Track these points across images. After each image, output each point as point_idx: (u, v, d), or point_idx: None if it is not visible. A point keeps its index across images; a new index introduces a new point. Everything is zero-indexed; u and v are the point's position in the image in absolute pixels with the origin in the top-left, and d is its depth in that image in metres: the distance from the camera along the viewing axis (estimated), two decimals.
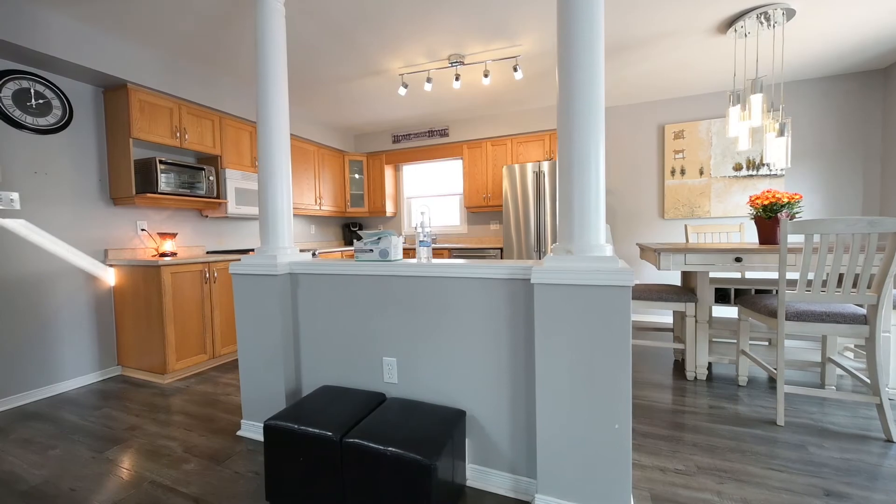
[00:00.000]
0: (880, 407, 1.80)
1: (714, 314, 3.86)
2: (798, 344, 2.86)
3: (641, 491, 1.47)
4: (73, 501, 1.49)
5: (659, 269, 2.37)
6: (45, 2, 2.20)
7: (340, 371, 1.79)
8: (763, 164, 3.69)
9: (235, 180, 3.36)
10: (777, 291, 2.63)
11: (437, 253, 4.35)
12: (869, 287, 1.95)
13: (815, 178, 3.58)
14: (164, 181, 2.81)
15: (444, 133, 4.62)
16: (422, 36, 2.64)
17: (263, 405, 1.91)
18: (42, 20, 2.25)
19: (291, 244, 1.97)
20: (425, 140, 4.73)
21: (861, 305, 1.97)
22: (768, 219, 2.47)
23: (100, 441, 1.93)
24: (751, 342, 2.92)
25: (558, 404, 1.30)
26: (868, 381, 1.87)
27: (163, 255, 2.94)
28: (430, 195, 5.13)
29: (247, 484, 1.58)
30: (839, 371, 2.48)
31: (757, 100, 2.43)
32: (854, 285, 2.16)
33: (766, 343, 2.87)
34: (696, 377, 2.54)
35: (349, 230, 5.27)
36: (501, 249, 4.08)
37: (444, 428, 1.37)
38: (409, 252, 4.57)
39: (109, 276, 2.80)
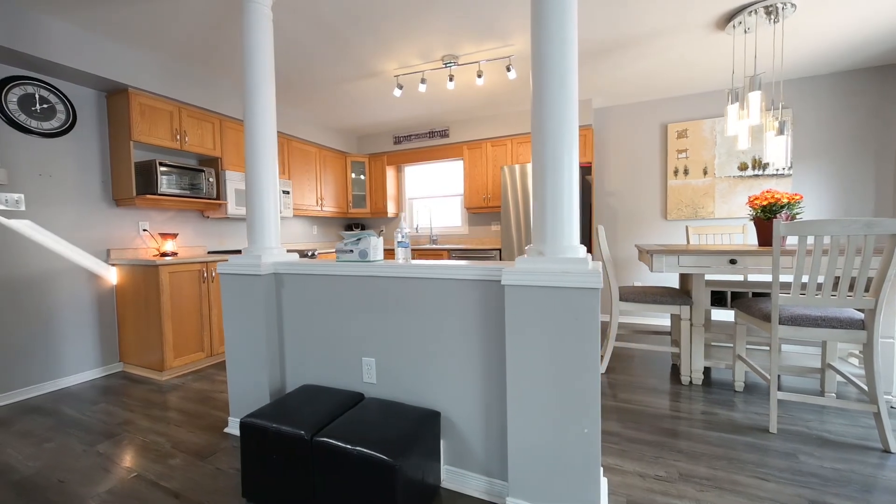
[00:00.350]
0: (878, 415, 1.73)
1: (713, 317, 3.77)
2: (799, 349, 2.77)
3: (618, 497, 1.45)
4: (60, 492, 1.54)
5: (652, 270, 2.33)
6: (48, 9, 2.28)
7: (322, 370, 1.81)
8: (769, 164, 3.58)
9: (235, 182, 3.42)
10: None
11: (437, 254, 4.35)
12: (867, 291, 1.88)
13: (824, 178, 3.46)
14: (165, 183, 2.88)
15: (444, 134, 4.62)
16: (414, 37, 2.65)
17: (249, 403, 1.94)
18: (45, 27, 2.34)
19: (278, 245, 1.99)
20: (426, 141, 4.74)
21: (861, 310, 1.89)
22: (767, 220, 2.40)
23: (93, 435, 1.99)
24: (751, 347, 2.83)
25: (528, 407, 1.29)
26: (867, 388, 1.80)
27: (164, 254, 3.01)
28: (432, 196, 5.14)
29: (227, 480, 1.60)
30: (840, 378, 2.39)
31: (755, 97, 2.36)
32: (851, 289, 2.08)
33: (768, 348, 2.79)
34: (691, 382, 2.49)
35: (351, 231, 5.31)
36: (500, 250, 4.06)
37: (415, 429, 1.37)
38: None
39: (112, 275, 2.88)
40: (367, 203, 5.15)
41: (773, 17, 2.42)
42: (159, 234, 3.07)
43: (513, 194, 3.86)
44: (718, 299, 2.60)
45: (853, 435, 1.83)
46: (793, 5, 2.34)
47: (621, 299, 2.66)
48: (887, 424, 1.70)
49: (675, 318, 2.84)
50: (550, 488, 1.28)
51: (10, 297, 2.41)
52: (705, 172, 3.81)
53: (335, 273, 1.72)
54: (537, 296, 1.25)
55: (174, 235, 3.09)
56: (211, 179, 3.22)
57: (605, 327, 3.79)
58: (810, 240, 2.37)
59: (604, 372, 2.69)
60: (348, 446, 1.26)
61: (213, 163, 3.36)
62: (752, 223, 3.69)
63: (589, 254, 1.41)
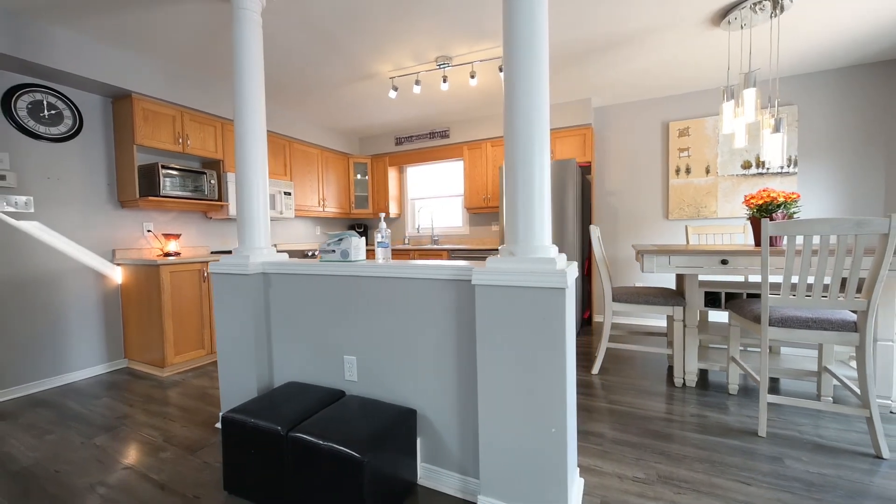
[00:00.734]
0: (870, 420, 1.68)
1: (711, 319, 3.71)
2: (798, 352, 2.70)
3: (593, 498, 1.44)
4: (55, 482, 1.61)
5: (643, 270, 2.30)
6: (54, 20, 2.38)
7: (307, 368, 1.84)
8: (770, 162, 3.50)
9: None
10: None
11: (437, 254, 4.37)
12: (860, 292, 1.83)
13: (831, 176, 3.36)
14: (168, 185, 2.97)
15: (444, 134, 4.64)
16: (407, 38, 2.67)
17: (238, 399, 1.99)
18: (52, 37, 2.44)
19: (268, 245, 2.04)
20: (426, 142, 4.76)
21: (855, 311, 1.84)
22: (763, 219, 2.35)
23: (92, 428, 2.07)
24: (750, 349, 2.78)
25: (498, 406, 1.30)
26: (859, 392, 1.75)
27: (167, 254, 3.10)
28: (433, 196, 5.16)
29: (212, 473, 1.65)
30: (836, 381, 2.33)
31: (750, 94, 2.32)
32: (843, 290, 2.02)
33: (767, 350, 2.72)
34: (684, 383, 2.45)
35: (354, 231, 5.37)
36: (498, 251, 4.05)
37: (389, 426, 1.39)
38: (407, 254, 4.61)
39: (117, 275, 2.99)
40: (370, 203, 5.20)
41: (773, 10, 2.37)
42: (163, 234, 3.17)
43: None
44: (713, 300, 2.56)
45: (846, 440, 1.78)
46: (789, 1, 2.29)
47: (614, 300, 2.64)
48: (879, 429, 1.65)
49: (671, 319, 2.80)
50: (520, 487, 1.28)
51: (20, 296, 2.51)
52: (708, 171, 3.74)
53: (318, 273, 1.75)
54: (506, 295, 1.26)
55: (177, 236, 3.18)
56: (213, 181, 3.31)
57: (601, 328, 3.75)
58: (800, 239, 2.31)
59: (596, 373, 2.67)
60: (320, 441, 1.28)
61: (215, 165, 3.45)
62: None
63: (563, 254, 1.41)
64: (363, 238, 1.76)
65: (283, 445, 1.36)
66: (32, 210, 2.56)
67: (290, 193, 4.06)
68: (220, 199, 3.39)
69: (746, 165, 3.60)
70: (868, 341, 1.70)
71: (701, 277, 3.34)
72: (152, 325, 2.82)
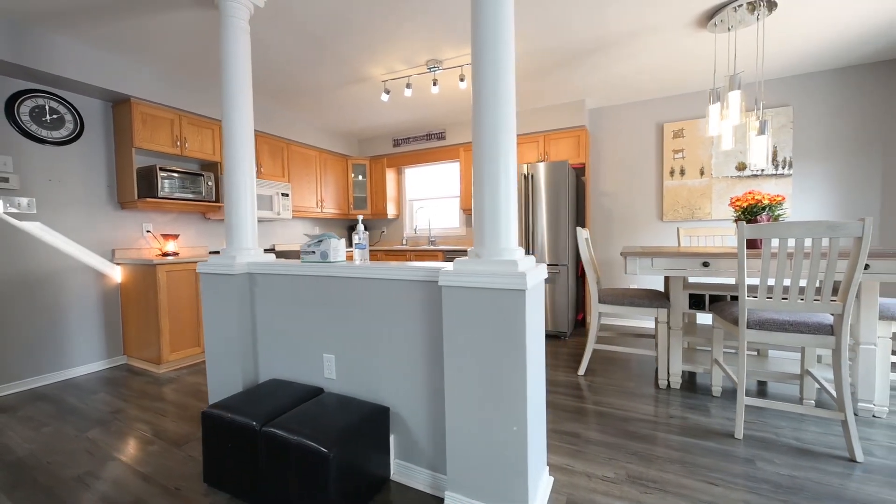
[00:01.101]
0: (845, 423, 1.68)
1: (699, 321, 3.70)
2: (786, 355, 2.68)
3: (560, 495, 1.47)
4: (46, 472, 1.68)
5: (626, 272, 2.32)
6: (54, 28, 2.47)
7: (289, 365, 1.90)
8: (772, 163, 3.48)
9: None
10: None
11: (432, 255, 4.41)
12: (836, 295, 1.82)
13: (827, 177, 3.33)
14: (166, 186, 3.05)
15: (441, 136, 4.68)
16: (397, 42, 2.72)
17: (224, 395, 2.04)
18: (53, 44, 2.53)
19: (255, 245, 2.10)
20: (423, 143, 4.81)
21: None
22: (748, 221, 2.35)
23: (86, 422, 2.14)
24: (733, 351, 2.76)
25: (463, 405, 1.33)
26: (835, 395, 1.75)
27: (165, 254, 3.19)
28: (431, 198, 5.20)
29: (195, 466, 1.71)
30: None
31: (735, 97, 2.32)
32: (820, 293, 2.02)
33: (756, 353, 2.71)
34: (668, 385, 2.46)
35: (353, 232, 5.44)
36: None
37: (360, 423, 1.43)
38: (403, 255, 4.66)
39: (116, 274, 3.08)
40: (368, 204, 5.26)
41: (759, 12, 2.36)
42: (161, 234, 3.26)
43: None
44: (698, 302, 2.56)
45: (823, 443, 1.78)
46: (773, 3, 2.29)
47: (600, 301, 2.65)
48: (854, 432, 1.65)
49: (658, 321, 2.80)
50: (485, 483, 1.31)
51: (23, 294, 2.61)
52: (702, 173, 3.72)
53: (299, 273, 1.80)
54: (470, 296, 1.30)
55: (175, 236, 3.27)
56: (210, 183, 3.38)
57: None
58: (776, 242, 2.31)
59: (583, 374, 2.68)
60: (290, 436, 1.33)
61: (212, 167, 3.53)
62: None
63: (532, 256, 1.44)
64: (342, 240, 1.80)
65: (258, 440, 1.41)
66: (35, 211, 2.66)
67: (287, 195, 4.13)
68: (217, 201, 3.46)
69: (741, 167, 3.58)
70: (844, 344, 1.69)
71: (691, 279, 3.33)
72: (149, 323, 2.90)
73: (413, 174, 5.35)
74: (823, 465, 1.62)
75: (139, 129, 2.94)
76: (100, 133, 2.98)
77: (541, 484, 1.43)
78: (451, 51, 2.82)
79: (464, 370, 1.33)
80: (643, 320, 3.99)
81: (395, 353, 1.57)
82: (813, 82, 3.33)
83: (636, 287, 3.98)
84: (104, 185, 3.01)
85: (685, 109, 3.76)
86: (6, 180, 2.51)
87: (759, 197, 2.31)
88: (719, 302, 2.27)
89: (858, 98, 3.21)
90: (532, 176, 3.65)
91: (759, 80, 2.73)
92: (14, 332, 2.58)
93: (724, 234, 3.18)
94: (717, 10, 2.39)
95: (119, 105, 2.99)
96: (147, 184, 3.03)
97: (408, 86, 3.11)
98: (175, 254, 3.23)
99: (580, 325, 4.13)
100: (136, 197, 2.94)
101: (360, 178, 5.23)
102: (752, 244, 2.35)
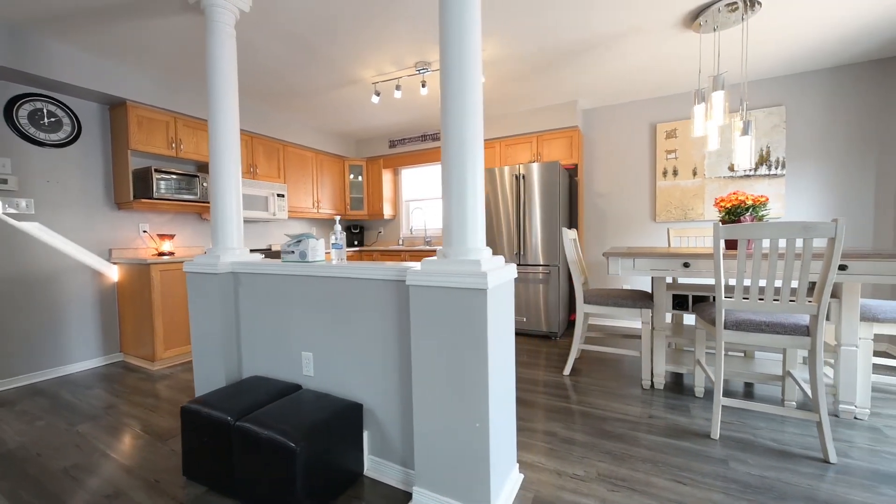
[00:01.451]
0: (820, 425, 1.68)
1: (686, 321, 3.68)
2: (772, 356, 2.67)
3: (527, 492, 1.49)
4: (35, 464, 1.74)
5: (608, 273, 2.33)
6: (51, 33, 2.54)
7: (270, 362, 1.94)
8: (765, 163, 3.46)
9: None
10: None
11: (427, 255, 4.44)
12: (812, 296, 1.82)
13: (820, 177, 3.30)
14: (162, 187, 3.12)
15: (435, 137, 4.71)
16: (385, 45, 2.75)
17: (209, 391, 2.09)
18: (50, 49, 2.60)
19: (240, 245, 2.14)
20: (419, 144, 4.84)
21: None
22: (732, 222, 2.35)
23: (78, 416, 2.21)
24: (725, 353, 2.75)
25: (429, 402, 1.36)
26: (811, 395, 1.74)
27: (162, 254, 3.26)
28: (428, 198, 5.23)
29: (177, 460, 1.75)
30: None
31: (718, 97, 2.32)
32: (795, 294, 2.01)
33: (738, 354, 2.70)
34: (652, 385, 2.46)
35: (350, 232, 5.49)
36: None
37: (331, 418, 1.46)
38: (399, 255, 4.69)
39: (113, 273, 3.15)
40: (365, 205, 5.31)
41: (744, 13, 2.36)
42: (158, 234, 3.33)
43: (493, 197, 3.88)
44: (682, 303, 2.55)
45: (799, 444, 1.78)
46: (758, 2, 2.28)
47: (585, 301, 2.66)
48: (828, 434, 1.65)
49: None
50: (449, 479, 1.34)
51: (21, 292, 2.69)
52: (695, 173, 3.71)
53: (280, 273, 1.85)
54: (435, 296, 1.32)
55: (171, 236, 3.34)
56: (205, 184, 3.45)
57: (593, 330, 3.75)
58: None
59: (568, 374, 2.69)
60: (261, 430, 1.37)
61: (207, 168, 3.58)
62: None
63: (500, 256, 1.46)
64: (321, 240, 1.84)
65: (231, 434, 1.45)
66: (33, 212, 2.73)
67: (283, 195, 4.19)
68: None
69: (733, 168, 3.56)
70: (819, 345, 1.69)
71: (679, 280, 3.32)
72: (144, 321, 2.97)
73: (409, 175, 5.39)
74: (796, 465, 1.62)
75: (135, 131, 3.01)
76: (97, 135, 3.06)
77: (508, 481, 1.45)
78: (438, 53, 2.85)
79: (429, 368, 1.35)
80: (633, 321, 3.98)
81: (368, 350, 1.61)
82: (806, 81, 3.30)
83: (628, 288, 3.98)
84: (101, 185, 3.08)
85: (678, 110, 3.75)
86: (5, 182, 2.59)
87: (742, 197, 2.31)
88: (702, 303, 2.27)
89: (852, 97, 3.18)
90: (524, 176, 3.66)
91: (743, 80, 2.72)
92: (14, 329, 2.65)
93: (712, 235, 3.16)
94: (702, 10, 2.39)
95: (115, 108, 3.07)
96: (143, 185, 3.10)
97: (397, 87, 3.15)
98: (171, 253, 3.30)
99: (573, 325, 4.13)
100: (132, 198, 3.01)
101: (357, 178, 5.28)
102: (734, 245, 2.35)
